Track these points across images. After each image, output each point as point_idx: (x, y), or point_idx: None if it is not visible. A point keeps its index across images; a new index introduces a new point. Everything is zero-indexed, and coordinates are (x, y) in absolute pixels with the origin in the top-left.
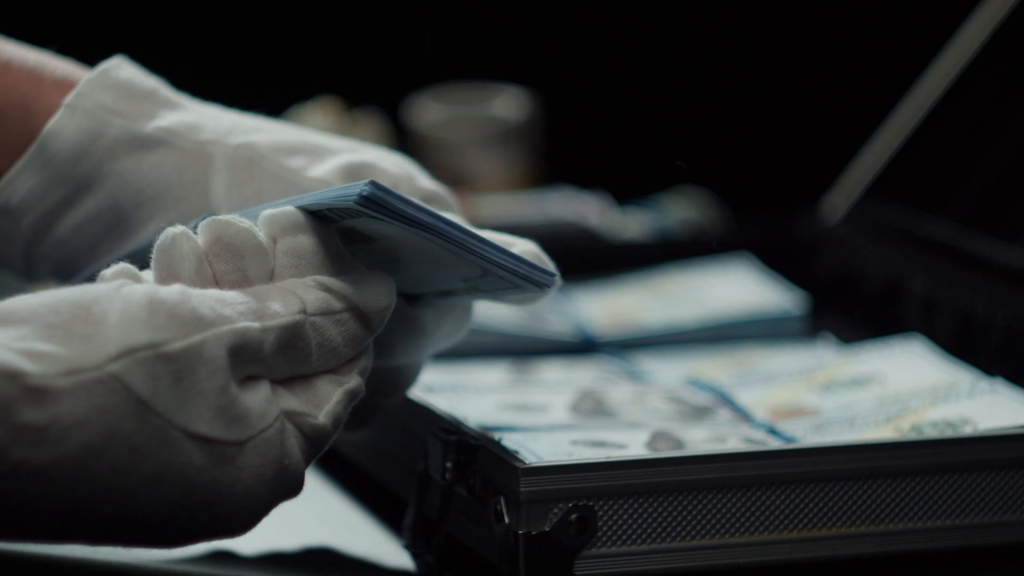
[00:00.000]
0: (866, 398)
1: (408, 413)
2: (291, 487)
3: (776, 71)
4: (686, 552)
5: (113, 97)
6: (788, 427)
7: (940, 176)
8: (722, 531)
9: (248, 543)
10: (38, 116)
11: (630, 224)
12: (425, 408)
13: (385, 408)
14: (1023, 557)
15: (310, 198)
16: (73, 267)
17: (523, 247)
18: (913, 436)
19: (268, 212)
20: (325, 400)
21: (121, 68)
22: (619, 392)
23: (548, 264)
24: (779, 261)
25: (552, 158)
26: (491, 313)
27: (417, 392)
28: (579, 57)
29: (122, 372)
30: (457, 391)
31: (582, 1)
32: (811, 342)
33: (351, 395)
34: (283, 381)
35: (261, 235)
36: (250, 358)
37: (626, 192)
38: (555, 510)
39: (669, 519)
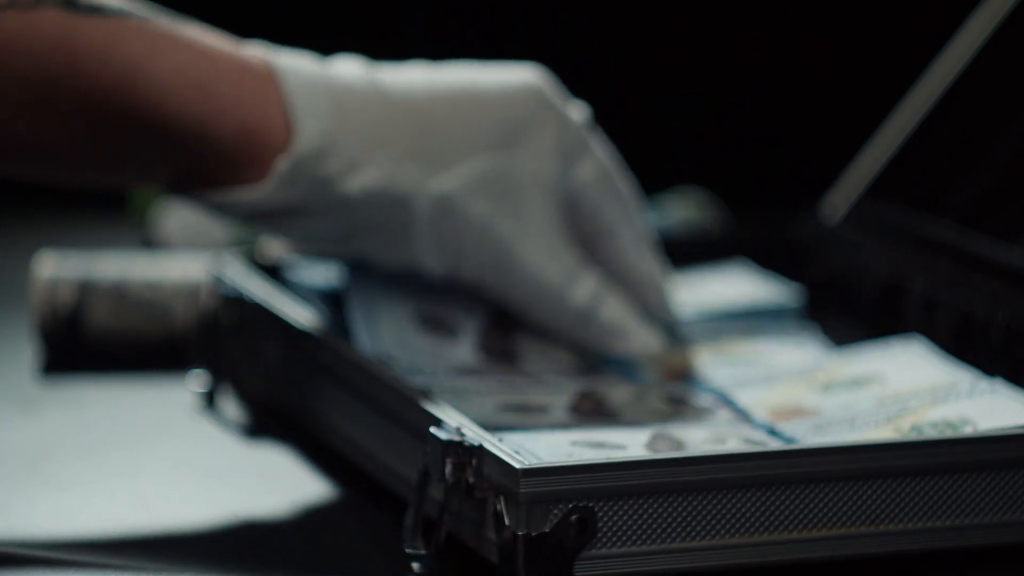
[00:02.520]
0: (866, 398)
1: (408, 413)
2: None
3: (776, 71)
4: (686, 553)
5: (320, 147)
6: (788, 427)
7: (940, 176)
8: (722, 532)
9: (248, 543)
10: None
11: None
12: (425, 408)
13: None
14: (1023, 557)
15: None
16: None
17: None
18: (913, 436)
19: None
20: None
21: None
22: (619, 392)
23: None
24: (779, 261)
25: None
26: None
27: (417, 392)
28: (578, 57)
29: None
30: (457, 391)
31: (581, 1)
32: (799, 332)
33: None
34: None
35: None
36: None
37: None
38: (555, 511)
39: (669, 520)
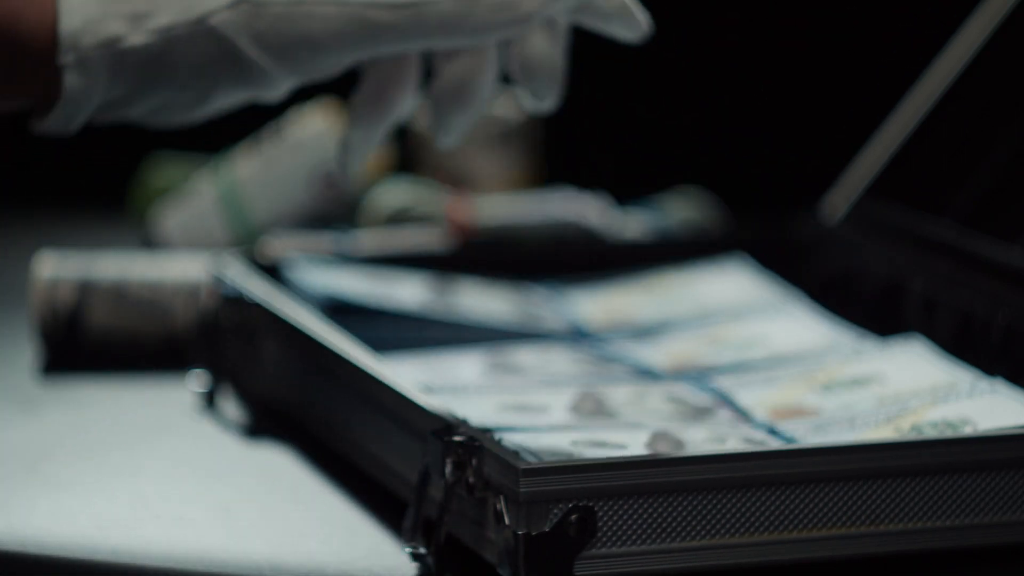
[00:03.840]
0: (866, 398)
1: (408, 413)
2: None
3: (776, 71)
4: (686, 552)
5: (93, 13)
6: (788, 427)
7: (940, 176)
8: (722, 531)
9: (248, 543)
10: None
11: (630, 224)
12: (425, 408)
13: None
14: (1023, 557)
15: None
16: None
17: None
18: (913, 436)
19: None
20: None
21: None
22: (619, 392)
23: None
24: (779, 261)
25: (552, 158)
26: (486, 311)
27: (417, 392)
28: (578, 57)
29: None
30: (457, 391)
31: None
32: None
33: None
34: None
35: None
36: None
37: (626, 192)
38: (555, 510)
39: (669, 519)
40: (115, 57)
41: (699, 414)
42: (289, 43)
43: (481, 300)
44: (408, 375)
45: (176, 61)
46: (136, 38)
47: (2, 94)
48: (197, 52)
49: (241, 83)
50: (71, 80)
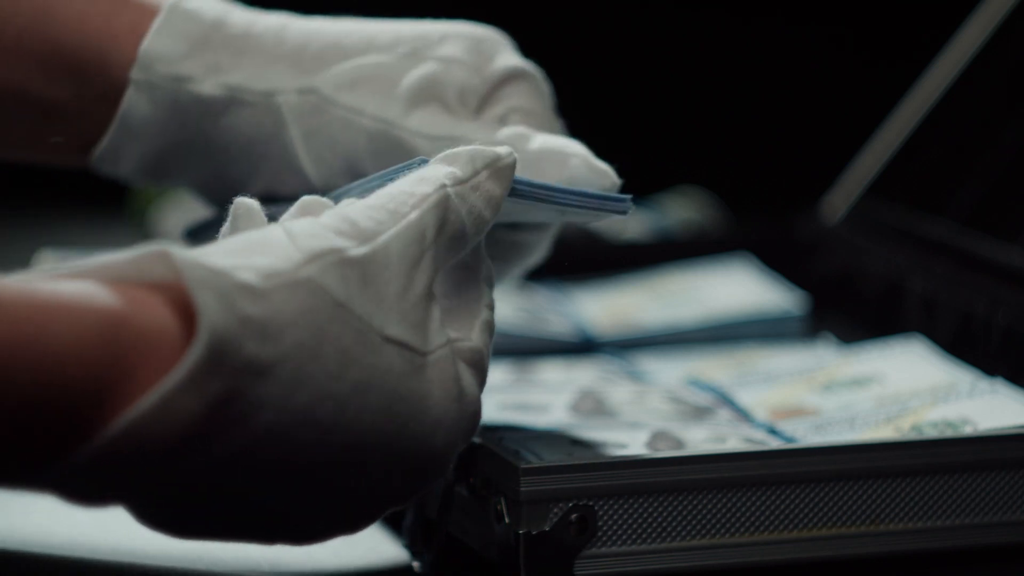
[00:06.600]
0: (866, 398)
1: None
2: (472, 415)
3: (777, 71)
4: (686, 552)
5: (177, 51)
6: (788, 427)
7: (940, 176)
8: (722, 531)
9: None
10: (114, 68)
11: (630, 224)
12: None
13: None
14: (1023, 557)
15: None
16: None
17: (574, 149)
18: (913, 436)
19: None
20: (470, 328)
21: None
22: (619, 392)
23: (608, 174)
24: (779, 261)
25: None
26: None
27: None
28: (579, 57)
29: (316, 275)
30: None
31: (581, 1)
32: (811, 342)
33: (488, 324)
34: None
35: None
36: (418, 251)
37: (626, 192)
38: (555, 510)
39: (669, 519)
40: (181, 96)
41: (699, 414)
42: (333, 151)
43: None
44: None
45: (232, 125)
46: (207, 87)
47: (60, 109)
48: (254, 123)
49: (280, 174)
50: (131, 99)
